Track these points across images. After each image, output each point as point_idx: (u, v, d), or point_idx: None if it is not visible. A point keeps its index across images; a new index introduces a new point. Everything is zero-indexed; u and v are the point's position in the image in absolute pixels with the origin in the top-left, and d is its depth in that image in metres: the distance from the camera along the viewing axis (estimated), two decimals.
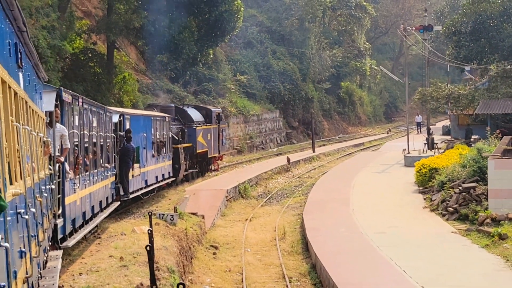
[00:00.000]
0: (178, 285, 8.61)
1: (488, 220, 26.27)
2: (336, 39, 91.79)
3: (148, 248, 12.47)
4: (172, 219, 25.70)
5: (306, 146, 68.16)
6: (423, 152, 50.42)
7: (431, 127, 58.78)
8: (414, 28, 57.62)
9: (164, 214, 25.94)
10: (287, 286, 21.94)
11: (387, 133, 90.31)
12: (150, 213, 17.93)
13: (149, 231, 15.05)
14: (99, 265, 15.53)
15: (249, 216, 34.77)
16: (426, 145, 53.01)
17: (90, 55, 46.66)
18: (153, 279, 11.02)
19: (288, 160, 53.14)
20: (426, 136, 54.86)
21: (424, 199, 34.32)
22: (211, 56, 54.87)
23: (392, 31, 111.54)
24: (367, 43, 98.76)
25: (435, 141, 54.53)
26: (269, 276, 23.70)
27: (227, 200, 37.09)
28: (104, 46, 50.53)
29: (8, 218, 6.52)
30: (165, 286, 14.66)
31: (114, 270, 14.88)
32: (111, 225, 22.65)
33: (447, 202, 30.51)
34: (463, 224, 27.89)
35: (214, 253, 26.80)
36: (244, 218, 34.35)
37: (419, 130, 75.83)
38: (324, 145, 74.44)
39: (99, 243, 18.79)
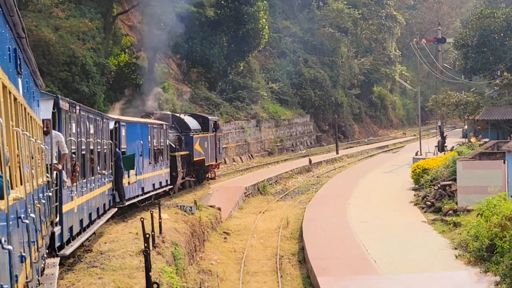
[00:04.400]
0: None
1: (450, 212, 31.58)
2: (367, 47, 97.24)
3: (142, 219, 18.28)
4: (190, 209, 31.21)
5: (333, 148, 73.61)
6: (434, 154, 55.38)
7: (453, 130, 63.68)
8: (425, 41, 63.05)
9: (184, 206, 31.54)
10: (276, 261, 27.63)
11: (403, 135, 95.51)
12: (158, 202, 23.81)
13: (151, 212, 20.95)
14: (119, 237, 21.50)
15: (263, 209, 40.48)
16: (437, 147, 57.96)
17: (133, 68, 52.61)
18: (146, 241, 16.67)
19: (310, 161, 58.73)
20: (439, 140, 59.87)
21: (414, 195, 39.62)
22: (241, 68, 60.77)
23: (427, 37, 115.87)
24: (397, 51, 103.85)
25: (451, 144, 59.56)
26: (265, 255, 29.47)
27: (246, 196, 42.84)
28: (146, 59, 56.61)
29: (10, 222, 6.52)
30: (163, 250, 20.81)
31: (129, 241, 20.76)
32: (138, 213, 28.53)
33: (427, 197, 35.88)
34: (436, 215, 33.14)
35: (225, 238, 32.62)
36: (258, 211, 40.06)
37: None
38: (351, 147, 79.87)
39: (124, 225, 24.76)
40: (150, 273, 14.17)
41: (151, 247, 19.28)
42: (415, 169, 42.62)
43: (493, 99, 55.90)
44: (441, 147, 57.86)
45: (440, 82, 71.58)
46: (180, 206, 31.33)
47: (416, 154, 58.23)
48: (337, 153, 68.28)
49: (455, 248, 25.40)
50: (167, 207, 31.02)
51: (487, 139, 55.58)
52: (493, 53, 56.47)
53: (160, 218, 23.00)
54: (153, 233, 20.49)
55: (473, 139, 58.26)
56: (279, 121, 71.80)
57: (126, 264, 17.75)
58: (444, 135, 61.51)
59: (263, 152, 66.99)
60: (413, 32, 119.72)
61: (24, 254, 8.04)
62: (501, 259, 21.07)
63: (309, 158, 60.04)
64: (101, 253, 19.04)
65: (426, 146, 59.97)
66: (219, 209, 35.63)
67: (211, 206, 35.27)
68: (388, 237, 28.27)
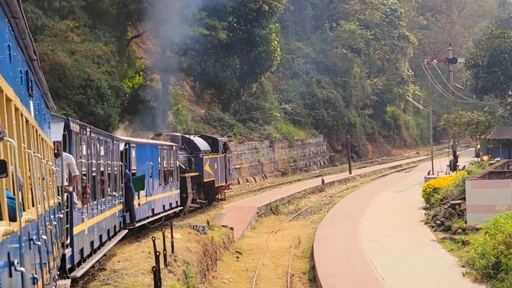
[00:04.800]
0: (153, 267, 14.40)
1: (459, 230, 31.96)
2: (380, 67, 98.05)
3: (153, 238, 18.89)
4: (203, 229, 31.76)
5: (346, 168, 74.11)
6: (446, 174, 55.74)
7: (466, 150, 64.12)
8: (436, 62, 63.76)
9: (196, 225, 32.11)
10: (287, 280, 28.13)
11: (417, 154, 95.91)
12: (170, 222, 24.42)
13: (163, 231, 21.56)
14: (133, 256, 22.13)
15: (276, 229, 40.98)
16: (449, 167, 58.34)
17: (147, 90, 53.32)
18: (156, 259, 17.29)
19: (323, 181, 59.24)
20: (451, 159, 60.26)
21: (425, 214, 39.99)
22: (254, 89, 61.64)
23: (440, 56, 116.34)
24: (410, 71, 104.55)
25: (463, 163, 59.99)
26: (277, 274, 29.96)
27: (258, 216, 43.37)
28: (160, 81, 57.40)
29: (22, 244, 6.55)
30: (175, 268, 21.40)
31: (142, 259, 21.38)
32: (151, 233, 29.13)
33: (437, 216, 36.28)
34: (446, 234, 33.50)
35: (237, 257, 33.13)
36: (271, 230, 40.56)
37: None
38: (364, 167, 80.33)
39: (138, 245, 25.39)
40: None
41: (162, 266, 19.90)
42: (426, 189, 43.03)
43: (505, 118, 56.41)
44: (453, 166, 58.19)
45: (452, 102, 72.07)
46: (193, 226, 31.86)
47: (428, 173, 58.54)
48: (350, 173, 68.83)
49: (463, 266, 25.75)
50: (180, 227, 31.50)
51: (498, 158, 55.99)
52: (504, 72, 57.17)
53: (172, 237, 23.59)
54: (165, 252, 21.11)
55: (485, 158, 58.70)
56: (292, 142, 72.46)
57: (138, 282, 18.35)
58: (457, 154, 61.88)
59: (277, 172, 67.60)
60: (426, 52, 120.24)
61: (36, 276, 8.00)
62: (506, 276, 21.50)
63: (322, 178, 60.57)
64: (115, 271, 19.65)
65: (438, 165, 60.33)
66: (232, 228, 36.17)
67: (223, 226, 35.80)
68: (397, 256, 28.66)
